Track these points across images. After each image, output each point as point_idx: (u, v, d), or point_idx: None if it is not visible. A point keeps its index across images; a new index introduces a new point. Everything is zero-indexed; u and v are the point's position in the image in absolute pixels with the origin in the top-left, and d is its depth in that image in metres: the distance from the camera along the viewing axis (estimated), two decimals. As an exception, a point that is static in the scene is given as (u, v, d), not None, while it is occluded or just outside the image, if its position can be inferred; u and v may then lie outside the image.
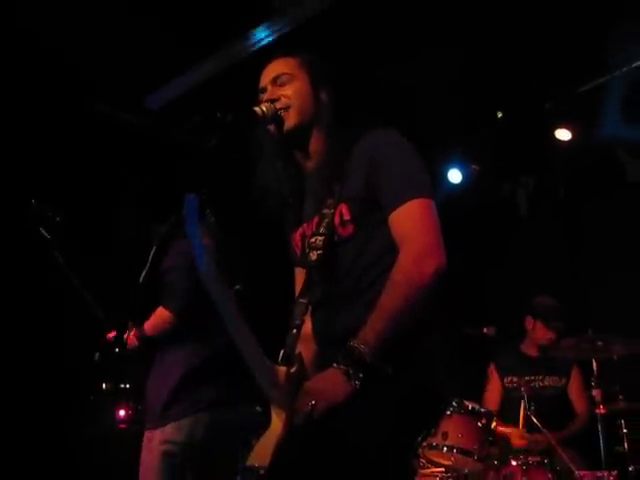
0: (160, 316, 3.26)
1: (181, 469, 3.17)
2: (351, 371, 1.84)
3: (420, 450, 3.66)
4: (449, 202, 5.56)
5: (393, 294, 1.92)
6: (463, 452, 3.70)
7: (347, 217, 2.07)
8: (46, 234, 3.12)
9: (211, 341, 3.26)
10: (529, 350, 4.79)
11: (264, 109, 2.12)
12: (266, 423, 1.92)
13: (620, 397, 4.06)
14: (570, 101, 5.15)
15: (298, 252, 2.24)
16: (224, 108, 2.06)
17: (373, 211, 2.05)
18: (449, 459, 3.71)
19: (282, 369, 1.89)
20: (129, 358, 3.24)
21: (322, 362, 2.02)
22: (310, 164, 2.22)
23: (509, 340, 4.85)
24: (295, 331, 2.03)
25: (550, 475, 3.86)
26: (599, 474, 3.84)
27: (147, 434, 3.26)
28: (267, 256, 3.66)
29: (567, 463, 3.92)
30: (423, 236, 1.97)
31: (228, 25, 4.36)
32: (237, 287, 3.00)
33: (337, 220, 2.08)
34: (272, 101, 2.14)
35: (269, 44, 4.32)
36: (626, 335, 4.07)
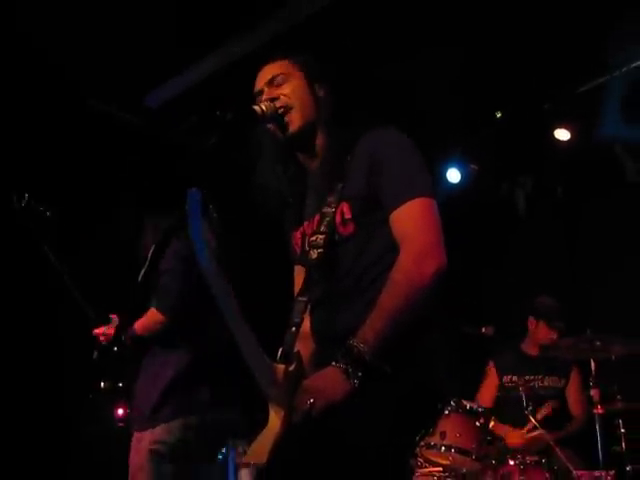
0: (151, 317, 3.26)
1: (169, 469, 3.18)
2: (350, 370, 1.84)
3: (418, 449, 3.66)
4: (448, 202, 5.56)
5: (393, 293, 1.92)
6: (461, 451, 3.70)
7: (348, 216, 2.07)
8: (36, 229, 3.12)
9: (201, 344, 3.28)
10: (530, 350, 4.79)
11: (264, 108, 2.11)
12: (263, 422, 1.92)
13: (618, 397, 4.07)
14: (569, 101, 5.15)
15: (298, 250, 2.24)
16: (223, 107, 2.06)
17: (374, 210, 2.05)
18: (447, 458, 3.71)
19: (281, 367, 1.89)
20: (127, 357, 3.24)
21: (321, 361, 2.02)
22: (311, 163, 2.22)
23: (509, 339, 4.85)
24: (294, 329, 2.02)
25: (548, 475, 3.86)
26: (597, 474, 3.85)
27: (136, 435, 3.26)
28: (267, 254, 3.67)
29: (565, 463, 3.93)
30: (424, 235, 1.98)
31: (226, 24, 4.36)
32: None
33: (338, 219, 2.08)
34: (271, 100, 2.14)
35: (267, 43, 4.32)
36: (625, 335, 4.07)
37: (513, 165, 5.78)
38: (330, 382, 1.85)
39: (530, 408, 4.18)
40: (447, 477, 3.76)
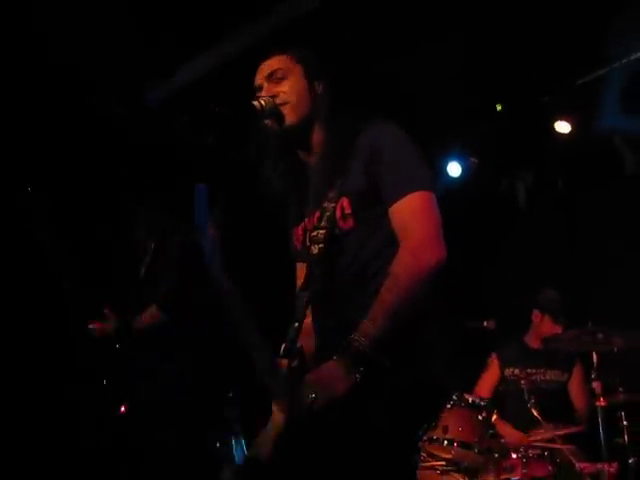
0: (152, 315, 3.28)
1: None
2: (351, 364, 1.85)
3: (421, 444, 3.66)
4: (448, 195, 5.56)
5: (393, 287, 1.92)
6: (463, 445, 3.71)
7: (348, 210, 2.07)
8: (36, 219, 3.13)
9: (201, 341, 3.30)
10: (533, 343, 4.79)
11: (263, 103, 2.12)
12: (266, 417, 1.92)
13: (620, 389, 4.06)
14: (569, 94, 5.14)
15: (299, 246, 2.25)
16: (223, 103, 2.06)
17: (374, 205, 2.06)
18: (449, 452, 3.72)
19: (283, 362, 1.89)
20: (129, 353, 3.25)
21: (323, 355, 2.01)
22: (311, 158, 2.22)
23: (511, 332, 4.85)
24: (297, 325, 2.03)
25: (550, 467, 3.87)
26: (599, 466, 3.85)
27: None
28: (269, 250, 3.66)
29: (567, 456, 3.93)
30: (423, 229, 1.98)
31: (225, 21, 4.35)
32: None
33: (338, 213, 2.09)
34: (271, 97, 2.14)
35: (265, 40, 4.31)
36: (626, 327, 4.07)
37: (513, 158, 5.77)
38: (332, 376, 1.86)
39: (532, 401, 4.18)
40: (450, 471, 3.77)
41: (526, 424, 4.29)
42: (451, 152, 5.87)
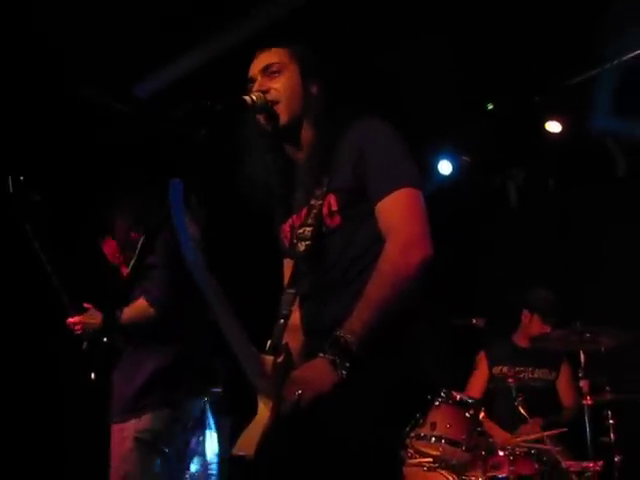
0: (140, 309, 3.26)
1: (155, 457, 3.20)
2: (338, 360, 1.85)
3: (408, 440, 3.68)
4: (440, 194, 5.57)
5: (379, 284, 1.93)
6: (451, 442, 3.72)
7: (335, 208, 2.07)
8: (23, 213, 3.12)
9: (188, 337, 3.30)
10: (521, 341, 4.81)
11: (254, 98, 2.11)
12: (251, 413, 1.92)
13: (607, 388, 4.09)
14: (561, 93, 5.15)
15: (287, 243, 2.25)
16: (214, 97, 2.05)
17: (360, 202, 2.06)
18: (437, 449, 3.72)
19: (269, 359, 1.90)
20: (117, 348, 3.24)
21: (310, 352, 2.02)
22: (299, 155, 2.22)
23: (500, 331, 4.87)
24: (282, 321, 2.03)
25: (537, 465, 3.88)
26: (585, 464, 3.87)
27: (117, 427, 3.27)
28: (256, 246, 3.67)
29: (554, 454, 3.95)
30: (410, 226, 1.98)
31: (218, 13, 4.34)
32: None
33: (325, 211, 2.09)
34: (263, 92, 2.14)
35: (259, 33, 4.30)
36: (614, 327, 4.10)
37: (505, 157, 5.79)
38: (318, 373, 1.86)
39: (520, 399, 4.19)
40: (437, 468, 3.77)
41: (514, 422, 4.31)
42: (442, 150, 5.88)
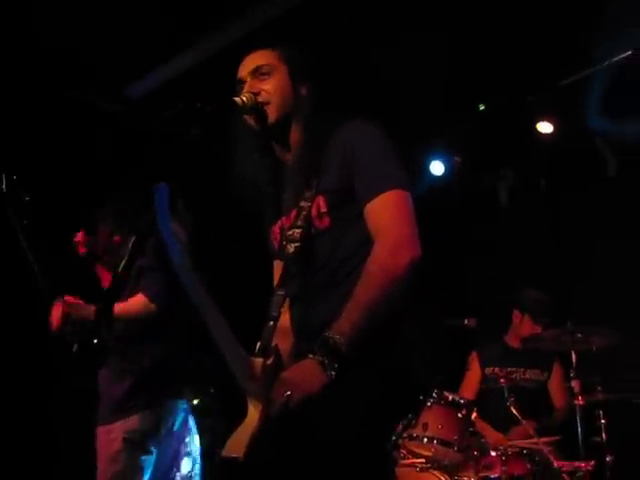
0: (139, 304, 3.25)
1: (144, 457, 3.21)
2: (326, 361, 1.85)
3: (401, 441, 3.68)
4: (432, 194, 5.59)
5: (368, 284, 1.93)
6: (443, 443, 3.72)
7: (324, 209, 2.08)
8: (13, 212, 3.11)
9: (177, 336, 3.30)
10: (512, 342, 4.82)
11: (244, 99, 2.11)
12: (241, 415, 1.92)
13: (599, 388, 4.10)
14: (552, 94, 5.16)
15: (276, 245, 2.25)
16: (204, 98, 2.05)
17: (349, 203, 2.06)
18: (429, 450, 3.73)
19: (258, 360, 1.89)
20: (107, 349, 3.24)
21: (299, 354, 2.02)
22: (288, 157, 2.22)
23: (492, 331, 4.88)
24: (272, 323, 2.03)
25: (529, 465, 3.89)
26: (577, 464, 3.88)
27: (103, 428, 3.27)
28: (246, 248, 3.66)
29: (545, 454, 3.96)
30: (398, 227, 1.99)
31: (209, 15, 4.34)
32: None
33: (314, 212, 2.09)
34: (253, 94, 2.13)
35: (249, 35, 4.30)
36: (605, 326, 4.11)
37: (496, 157, 5.80)
38: (307, 374, 1.86)
39: (512, 400, 4.20)
40: (429, 468, 3.77)
41: (506, 422, 4.32)
42: (434, 151, 5.89)
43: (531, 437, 4.08)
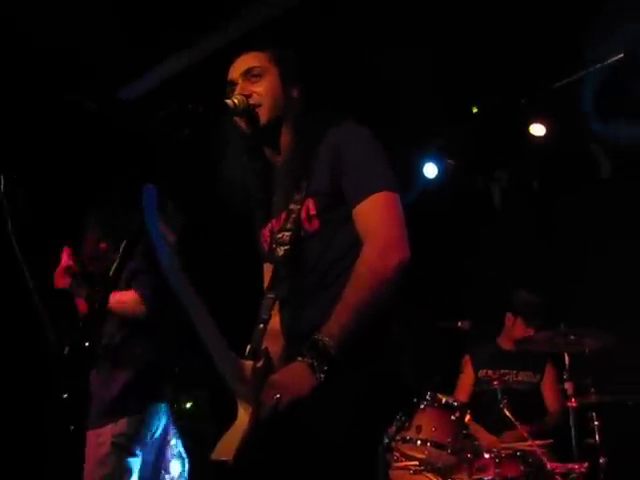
0: (132, 300, 3.25)
1: (131, 460, 3.22)
2: (316, 364, 1.84)
3: (394, 444, 3.68)
4: (425, 196, 5.59)
5: (357, 286, 1.93)
6: (437, 445, 3.72)
7: (313, 212, 2.08)
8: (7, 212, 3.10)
9: (166, 340, 3.31)
10: (505, 344, 4.82)
11: (236, 102, 2.11)
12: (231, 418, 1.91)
13: (592, 390, 4.10)
14: (545, 96, 5.17)
15: (266, 247, 2.24)
16: (196, 100, 2.05)
17: (339, 206, 2.06)
18: (423, 452, 3.72)
19: (248, 363, 1.89)
20: (98, 353, 3.23)
21: (289, 357, 2.02)
22: (278, 159, 2.21)
23: (485, 333, 4.88)
24: (262, 326, 2.03)
25: (522, 467, 3.88)
26: (570, 466, 3.88)
27: (93, 432, 3.27)
28: (236, 251, 3.66)
29: (539, 456, 3.96)
30: (387, 229, 1.99)
31: (202, 18, 4.33)
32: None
33: (304, 215, 2.09)
34: (244, 96, 2.13)
35: (241, 37, 4.30)
36: (598, 328, 4.11)
37: (489, 160, 5.81)
38: (296, 377, 1.86)
39: (505, 402, 4.20)
40: (423, 471, 3.77)
41: (499, 425, 4.31)
42: (428, 153, 5.89)
43: (525, 440, 4.07)
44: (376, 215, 2.00)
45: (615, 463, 3.97)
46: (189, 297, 1.76)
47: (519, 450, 3.97)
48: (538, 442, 4.04)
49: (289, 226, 2.09)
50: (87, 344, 2.95)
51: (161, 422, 3.34)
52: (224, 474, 1.86)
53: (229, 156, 2.24)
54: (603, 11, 4.28)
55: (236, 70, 2.19)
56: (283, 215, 2.14)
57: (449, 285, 5.87)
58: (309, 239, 2.08)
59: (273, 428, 1.86)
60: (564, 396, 4.11)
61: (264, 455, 1.92)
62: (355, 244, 2.02)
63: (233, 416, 1.93)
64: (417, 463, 3.76)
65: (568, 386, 4.06)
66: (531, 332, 4.62)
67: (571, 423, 4.01)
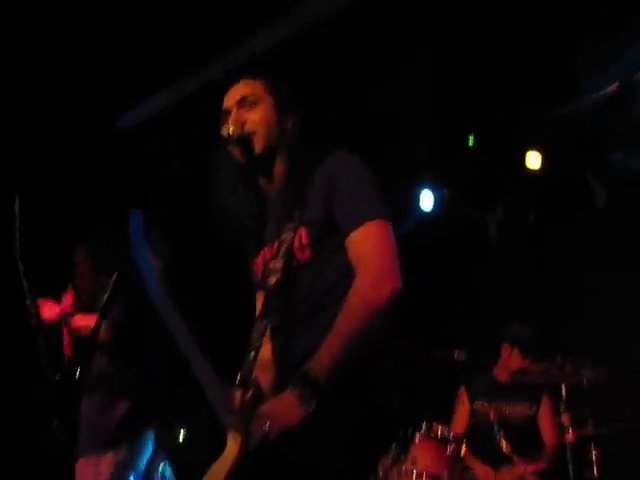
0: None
1: None
2: (305, 394, 1.83)
3: (389, 475, 3.63)
4: (421, 227, 5.60)
5: (349, 316, 1.92)
6: (432, 478, 3.67)
7: (305, 241, 2.07)
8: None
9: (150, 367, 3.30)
10: (501, 376, 4.79)
11: (230, 131, 2.11)
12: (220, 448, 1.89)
13: (590, 422, 4.06)
14: (541, 128, 5.20)
15: (259, 276, 2.23)
16: (190, 129, 2.06)
17: (331, 235, 2.05)
18: (418, 485, 3.68)
19: (237, 393, 1.87)
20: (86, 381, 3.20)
21: (280, 387, 2.00)
22: (272, 188, 2.21)
23: (481, 365, 4.85)
24: (252, 354, 2.01)
25: (518, 501, 3.85)
26: (568, 499, 3.83)
27: (90, 460, 3.25)
28: (228, 280, 3.65)
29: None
30: (380, 259, 1.98)
31: (200, 49, 4.37)
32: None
33: (296, 244, 2.08)
34: (239, 124, 2.13)
35: (237, 68, 4.33)
36: (594, 360, 4.08)
37: (485, 191, 5.82)
38: (285, 407, 1.84)
39: (501, 434, 4.16)
40: (418, 503, 3.72)
41: (495, 457, 4.27)
42: (423, 184, 5.91)
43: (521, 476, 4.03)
44: (369, 244, 1.99)
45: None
46: (174, 321, 1.75)
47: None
48: (535, 467, 3.99)
49: (281, 255, 2.08)
50: (77, 372, 2.94)
51: (149, 448, 3.34)
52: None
53: (223, 185, 2.23)
54: (598, 42, 4.32)
55: (230, 99, 2.20)
56: (276, 244, 2.14)
57: (445, 316, 5.84)
58: (301, 269, 2.07)
59: (262, 458, 1.84)
60: (561, 430, 4.06)
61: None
62: (347, 274, 2.00)
63: (224, 445, 1.91)
64: (413, 496, 3.71)
65: (565, 418, 4.01)
66: (527, 363, 4.58)
67: (568, 456, 3.96)
